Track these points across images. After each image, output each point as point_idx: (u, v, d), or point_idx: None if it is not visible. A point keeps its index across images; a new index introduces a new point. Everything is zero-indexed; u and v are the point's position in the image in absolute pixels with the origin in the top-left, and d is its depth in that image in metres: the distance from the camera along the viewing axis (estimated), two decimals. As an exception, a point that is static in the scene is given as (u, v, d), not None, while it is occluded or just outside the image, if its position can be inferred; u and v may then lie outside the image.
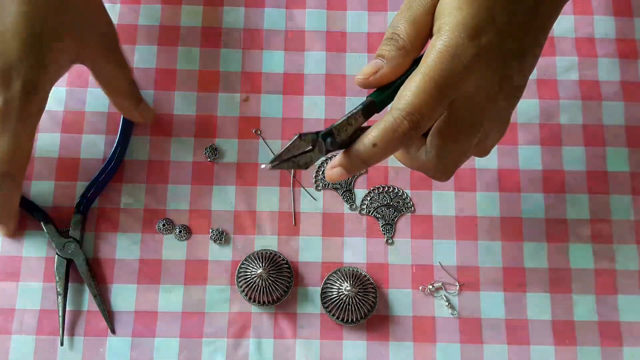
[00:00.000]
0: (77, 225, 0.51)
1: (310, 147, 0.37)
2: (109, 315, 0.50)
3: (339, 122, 0.38)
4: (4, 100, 0.42)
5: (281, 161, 0.37)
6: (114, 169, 0.53)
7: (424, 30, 0.39)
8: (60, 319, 0.49)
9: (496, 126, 0.41)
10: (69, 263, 0.51)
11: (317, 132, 0.37)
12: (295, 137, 0.37)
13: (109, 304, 0.51)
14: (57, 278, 0.50)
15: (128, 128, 0.54)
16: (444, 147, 0.39)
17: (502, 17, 0.37)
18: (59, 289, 0.50)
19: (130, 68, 0.52)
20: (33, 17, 0.42)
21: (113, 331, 0.50)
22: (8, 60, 0.42)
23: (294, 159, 0.37)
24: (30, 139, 0.45)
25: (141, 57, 0.57)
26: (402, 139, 0.36)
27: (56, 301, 0.50)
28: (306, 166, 0.38)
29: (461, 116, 0.38)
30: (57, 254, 0.51)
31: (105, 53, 0.48)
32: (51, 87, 0.46)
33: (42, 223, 0.51)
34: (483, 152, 0.44)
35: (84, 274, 0.50)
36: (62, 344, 0.49)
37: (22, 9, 0.42)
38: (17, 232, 0.52)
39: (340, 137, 0.38)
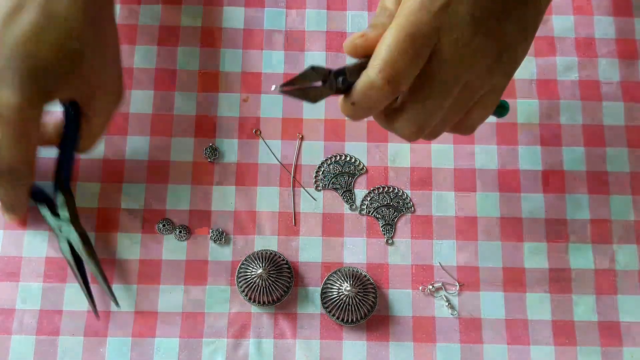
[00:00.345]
0: (63, 204, 0.50)
1: (321, 83, 0.37)
2: (110, 289, 0.49)
3: (353, 63, 0.38)
4: (20, 100, 0.41)
5: (292, 88, 0.37)
6: (72, 137, 0.49)
7: None
8: (85, 292, 0.49)
9: (479, 97, 0.40)
10: (70, 243, 0.50)
11: (330, 70, 0.37)
12: (308, 67, 0.37)
13: (111, 280, 0.51)
14: (68, 260, 0.49)
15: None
16: (414, 104, 0.39)
17: None
18: (74, 270, 0.49)
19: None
20: (74, 35, 0.43)
21: (117, 304, 0.49)
22: (39, 63, 0.42)
23: (304, 90, 0.37)
24: (36, 137, 0.45)
25: (141, 57, 0.57)
26: (378, 97, 0.37)
27: (77, 281, 0.49)
28: (314, 99, 0.38)
29: (433, 71, 0.37)
30: (57, 236, 0.50)
31: (103, 109, 0.48)
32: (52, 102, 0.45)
33: (37, 204, 0.51)
34: (466, 128, 0.43)
35: (81, 251, 0.49)
36: (97, 316, 0.50)
37: (67, 23, 0.42)
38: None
39: (352, 78, 0.38)
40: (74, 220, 0.50)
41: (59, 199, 0.50)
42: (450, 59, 0.37)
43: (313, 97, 0.37)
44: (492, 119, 0.56)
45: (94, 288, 0.50)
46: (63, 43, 0.42)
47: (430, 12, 0.36)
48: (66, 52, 0.42)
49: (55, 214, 0.50)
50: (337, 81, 0.38)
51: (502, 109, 0.52)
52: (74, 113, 0.48)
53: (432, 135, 0.43)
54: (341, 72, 0.37)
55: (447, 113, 0.40)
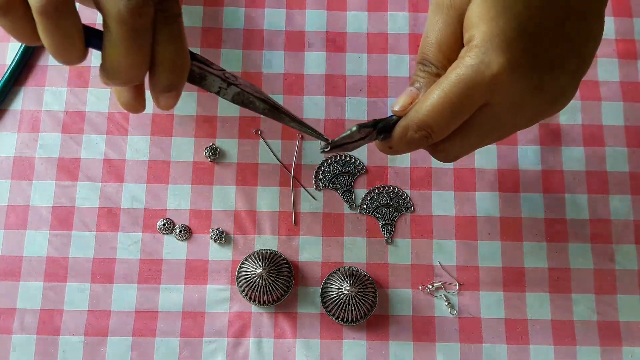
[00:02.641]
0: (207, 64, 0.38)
1: (364, 136, 0.39)
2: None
3: (396, 119, 0.39)
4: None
5: (336, 146, 0.39)
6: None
7: (454, 50, 0.38)
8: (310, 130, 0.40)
9: (512, 130, 0.40)
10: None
11: (375, 125, 0.39)
12: (355, 127, 0.38)
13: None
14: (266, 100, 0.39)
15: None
16: (456, 140, 0.39)
17: (532, 28, 0.35)
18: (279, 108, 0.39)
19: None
20: None
21: (328, 142, 0.41)
22: None
23: (346, 145, 0.39)
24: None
25: (141, 57, 0.57)
26: (413, 147, 0.39)
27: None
28: (354, 149, 0.40)
29: (480, 120, 0.37)
30: (228, 87, 0.38)
31: None
32: None
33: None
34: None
35: (267, 99, 0.39)
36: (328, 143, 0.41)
37: None
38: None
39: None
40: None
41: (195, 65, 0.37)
42: (499, 114, 0.37)
43: (353, 148, 0.40)
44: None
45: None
46: None
47: (486, 80, 0.35)
48: None
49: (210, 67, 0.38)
50: (379, 136, 0.40)
51: None
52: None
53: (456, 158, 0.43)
54: (385, 128, 0.39)
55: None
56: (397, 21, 0.59)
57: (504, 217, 0.54)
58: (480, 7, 0.36)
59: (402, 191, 0.54)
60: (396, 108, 0.39)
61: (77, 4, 0.34)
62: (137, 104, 0.38)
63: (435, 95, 0.36)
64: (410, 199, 0.54)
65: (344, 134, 0.38)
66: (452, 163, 0.55)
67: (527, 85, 0.36)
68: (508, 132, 0.40)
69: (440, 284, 0.52)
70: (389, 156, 0.55)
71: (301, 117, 0.56)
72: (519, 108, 0.37)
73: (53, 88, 0.55)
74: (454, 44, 0.38)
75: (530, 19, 0.35)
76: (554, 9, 0.36)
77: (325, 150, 0.39)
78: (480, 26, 0.35)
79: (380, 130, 0.39)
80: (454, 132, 0.38)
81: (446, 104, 0.36)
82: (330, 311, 0.50)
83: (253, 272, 0.49)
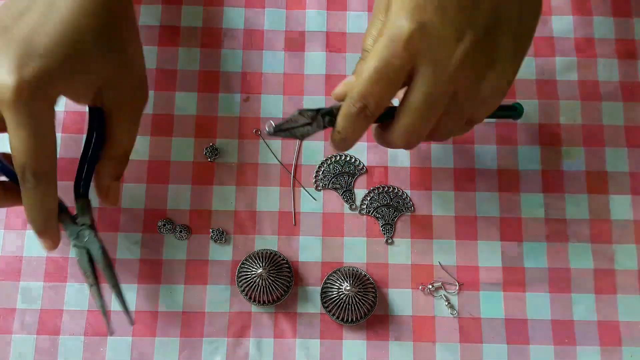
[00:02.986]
0: (84, 211, 0.47)
1: (309, 122, 0.42)
2: (125, 305, 0.47)
3: (340, 105, 0.42)
4: (17, 81, 0.40)
5: (279, 130, 0.41)
6: (97, 144, 0.48)
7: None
8: (102, 309, 0.45)
9: (480, 100, 0.41)
10: (89, 252, 0.46)
11: (318, 110, 0.42)
12: (296, 111, 0.41)
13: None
14: (84, 270, 0.46)
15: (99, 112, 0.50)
16: (402, 117, 0.41)
17: None
18: (90, 280, 0.46)
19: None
20: (78, 25, 0.42)
21: (132, 322, 0.47)
22: (33, 48, 0.41)
23: (292, 130, 0.42)
24: (50, 132, 0.42)
25: (141, 57, 0.57)
26: (357, 123, 0.41)
27: (90, 295, 0.50)
28: (302, 137, 0.43)
29: (417, 87, 0.39)
30: (74, 245, 0.46)
31: (129, 108, 0.47)
32: (59, 93, 0.43)
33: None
34: (468, 127, 0.45)
35: (100, 262, 0.46)
36: (111, 334, 0.48)
37: (71, 13, 0.42)
38: (58, 242, 0.47)
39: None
40: (94, 228, 0.47)
41: (78, 205, 0.47)
42: (431, 77, 0.39)
43: (301, 135, 0.42)
44: (489, 118, 0.56)
45: (98, 313, 0.50)
46: (68, 26, 0.41)
47: (400, 43, 0.38)
48: (73, 35, 0.41)
49: (73, 221, 0.47)
50: (324, 120, 0.42)
51: (514, 112, 0.52)
52: (97, 115, 0.47)
53: (439, 138, 0.45)
54: (329, 112, 0.42)
55: (444, 120, 0.42)
56: (397, 21, 0.59)
57: (504, 217, 0.54)
58: None
59: (402, 191, 0.54)
60: (335, 91, 0.43)
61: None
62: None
63: (365, 67, 0.40)
64: (410, 199, 0.54)
65: (286, 118, 0.41)
66: (452, 163, 0.55)
67: (441, 41, 0.38)
68: (459, 98, 0.40)
69: (440, 284, 0.52)
70: (389, 156, 0.55)
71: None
72: (448, 69, 0.39)
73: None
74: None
75: None
76: None
77: (270, 132, 0.41)
78: (395, 1, 0.39)
79: (325, 114, 0.42)
80: (404, 106, 0.40)
81: (374, 72, 0.39)
82: (330, 311, 0.50)
83: (253, 272, 0.49)
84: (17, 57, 0.40)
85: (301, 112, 0.42)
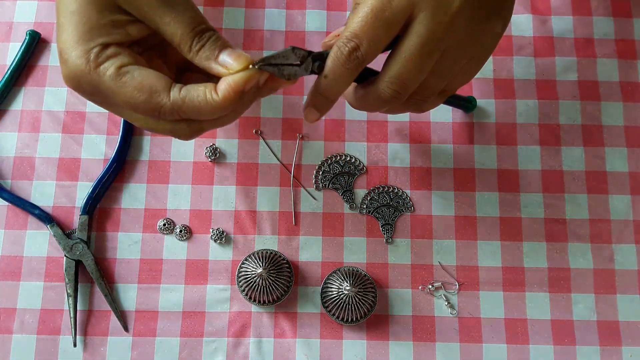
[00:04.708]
0: (84, 226, 0.52)
1: (299, 63, 0.39)
2: (120, 314, 0.51)
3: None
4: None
5: (268, 64, 0.38)
6: (117, 168, 0.53)
7: None
8: (72, 320, 0.50)
9: (461, 65, 0.41)
10: (77, 264, 0.51)
11: (310, 52, 0.40)
12: (289, 47, 0.39)
13: (119, 303, 0.51)
14: (67, 280, 0.50)
15: (129, 126, 0.54)
16: (394, 63, 0.40)
17: None
18: (69, 291, 0.50)
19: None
20: None
21: (126, 329, 0.50)
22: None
23: (280, 67, 0.39)
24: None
25: (141, 57, 0.57)
26: (346, 66, 0.39)
27: (66, 302, 0.50)
28: (288, 77, 0.40)
29: (411, 36, 0.39)
30: (65, 256, 0.51)
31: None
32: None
33: (47, 226, 0.51)
34: (443, 96, 0.44)
35: (93, 273, 0.51)
36: (75, 345, 0.50)
37: None
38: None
39: None
40: (87, 244, 0.52)
41: (81, 221, 0.52)
42: (429, 23, 0.38)
43: (288, 75, 0.40)
44: (489, 118, 0.56)
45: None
46: None
47: None
48: None
49: (65, 233, 0.52)
50: (314, 64, 0.40)
51: (468, 104, 0.55)
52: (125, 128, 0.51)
53: (417, 106, 0.43)
54: (319, 56, 0.40)
55: (429, 79, 0.41)
56: (397, 21, 0.59)
57: (504, 217, 0.54)
58: None
59: (402, 191, 0.54)
60: (325, 40, 0.41)
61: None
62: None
63: (360, 8, 0.38)
64: (410, 199, 0.54)
65: (276, 52, 0.39)
66: (452, 163, 0.55)
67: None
68: (448, 56, 0.40)
69: (440, 284, 0.52)
70: (389, 156, 0.55)
71: (301, 117, 0.56)
72: (444, 22, 0.38)
73: (53, 88, 0.55)
74: None
75: None
76: None
77: (257, 64, 0.38)
78: None
79: (316, 57, 0.40)
80: (397, 53, 0.39)
81: (370, 10, 0.38)
82: (330, 311, 0.50)
83: (253, 272, 0.50)
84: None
85: (294, 49, 0.39)
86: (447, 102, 0.53)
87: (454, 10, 0.38)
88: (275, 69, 0.39)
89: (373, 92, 0.41)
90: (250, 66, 0.37)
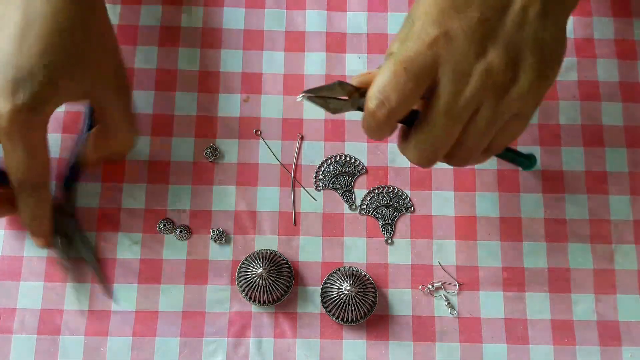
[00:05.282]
0: (70, 198, 0.51)
1: (346, 98, 0.39)
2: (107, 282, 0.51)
3: None
4: (11, 109, 0.42)
5: (316, 96, 0.39)
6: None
7: None
8: (98, 275, 0.50)
9: (502, 123, 0.41)
10: (66, 237, 0.51)
11: (357, 88, 0.40)
12: (335, 82, 0.39)
13: (112, 280, 0.51)
14: (59, 255, 0.51)
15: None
16: (419, 130, 0.40)
17: (460, 3, 0.39)
18: (67, 265, 0.51)
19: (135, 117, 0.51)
20: (55, 42, 0.43)
21: (111, 296, 0.51)
22: (21, 73, 0.42)
23: (327, 100, 0.39)
24: (44, 147, 0.45)
25: (141, 58, 0.57)
26: (377, 124, 0.39)
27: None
28: (334, 111, 0.40)
29: (436, 98, 0.39)
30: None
31: (113, 92, 0.48)
32: (53, 110, 0.45)
33: None
34: (459, 159, 0.43)
35: (80, 247, 0.51)
36: (110, 297, 0.51)
37: (47, 31, 0.43)
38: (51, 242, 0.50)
39: None
40: (74, 216, 0.51)
41: (65, 195, 0.51)
42: (451, 87, 0.38)
43: (334, 109, 0.40)
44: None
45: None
46: (46, 44, 0.43)
47: (425, 43, 0.38)
48: (52, 53, 0.43)
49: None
50: (361, 100, 0.40)
51: (526, 161, 0.52)
52: (88, 112, 0.50)
53: (456, 162, 0.43)
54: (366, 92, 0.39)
55: (465, 140, 0.41)
56: (397, 21, 0.59)
57: (504, 217, 0.54)
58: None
59: (402, 191, 0.54)
60: (354, 77, 0.41)
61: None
62: None
63: (387, 65, 0.39)
64: (410, 199, 0.54)
65: (324, 85, 0.39)
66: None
67: (464, 52, 0.38)
68: (480, 116, 0.40)
69: (440, 284, 0.52)
70: (388, 156, 0.55)
71: (301, 117, 0.56)
72: (464, 79, 0.38)
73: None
74: None
75: None
76: None
77: (304, 96, 0.39)
78: (419, 6, 0.40)
79: (364, 94, 0.40)
80: (423, 119, 0.40)
81: (396, 70, 0.38)
82: (330, 311, 0.50)
83: (253, 272, 0.50)
84: (6, 83, 0.42)
85: (341, 83, 0.39)
86: (500, 157, 0.51)
87: (475, 77, 0.38)
88: (322, 101, 0.39)
89: (405, 148, 0.42)
90: (298, 97, 0.39)
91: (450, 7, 0.39)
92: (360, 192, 0.54)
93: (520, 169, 0.54)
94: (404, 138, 0.42)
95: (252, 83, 0.57)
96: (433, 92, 0.39)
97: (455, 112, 0.39)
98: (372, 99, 0.39)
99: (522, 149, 0.55)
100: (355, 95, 0.40)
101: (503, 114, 0.40)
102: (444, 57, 0.38)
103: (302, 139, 0.55)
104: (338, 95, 0.40)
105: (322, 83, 0.56)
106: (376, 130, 0.40)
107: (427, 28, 0.39)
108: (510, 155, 0.52)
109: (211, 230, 0.53)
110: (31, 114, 0.43)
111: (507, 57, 0.39)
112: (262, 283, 0.49)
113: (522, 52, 0.39)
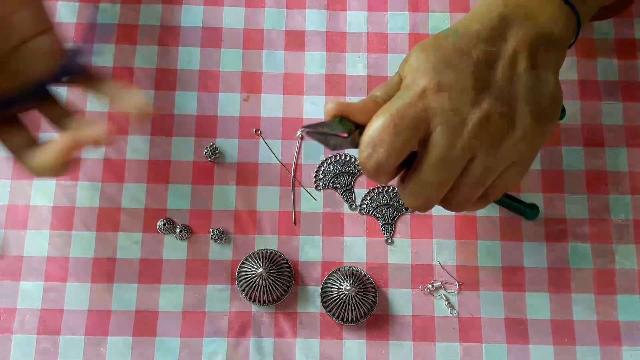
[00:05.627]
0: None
1: (346, 135, 0.39)
2: None
3: None
4: None
5: (315, 132, 0.39)
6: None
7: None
8: None
9: (500, 170, 0.41)
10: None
11: (357, 125, 0.40)
12: (336, 120, 0.39)
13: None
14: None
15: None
16: (413, 178, 0.40)
17: (453, 56, 0.39)
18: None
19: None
20: None
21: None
22: None
23: (327, 136, 0.39)
24: None
25: (142, 57, 0.57)
26: (371, 168, 0.39)
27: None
28: (334, 148, 0.40)
29: (429, 148, 0.39)
30: None
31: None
32: None
33: None
34: (456, 205, 0.43)
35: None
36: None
37: None
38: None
39: None
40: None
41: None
42: (444, 139, 0.38)
43: (333, 145, 0.40)
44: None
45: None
46: None
47: (415, 94, 0.39)
48: None
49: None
50: (359, 140, 0.40)
51: (527, 210, 0.52)
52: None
53: (451, 208, 0.43)
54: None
55: (461, 188, 0.41)
56: (397, 21, 0.59)
57: (504, 217, 0.54)
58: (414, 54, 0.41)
59: (402, 191, 0.54)
60: (327, 107, 0.41)
61: None
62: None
63: (378, 113, 0.39)
64: (410, 199, 0.54)
65: (323, 121, 0.39)
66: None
67: (457, 103, 0.38)
68: (475, 166, 0.40)
69: (440, 283, 0.52)
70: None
71: (301, 117, 0.56)
72: (457, 130, 0.38)
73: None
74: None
75: (449, 50, 0.40)
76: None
77: (303, 131, 0.39)
78: (410, 61, 0.40)
79: (362, 133, 0.39)
80: (417, 167, 0.40)
81: (385, 124, 0.38)
82: (330, 311, 0.50)
83: (253, 272, 0.50)
84: None
85: (341, 120, 0.39)
86: (500, 204, 0.51)
87: (468, 127, 0.38)
88: (321, 137, 0.39)
89: (402, 194, 0.42)
90: (297, 133, 0.39)
91: (440, 61, 0.39)
92: (360, 192, 0.54)
93: (522, 217, 0.54)
94: (401, 181, 0.42)
95: (252, 82, 0.57)
96: (427, 141, 0.39)
97: (448, 163, 0.39)
98: (362, 150, 0.39)
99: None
100: (355, 133, 0.40)
101: (499, 163, 0.40)
102: (435, 108, 0.38)
103: (302, 138, 0.55)
104: (338, 132, 0.39)
105: (321, 83, 0.56)
106: (372, 178, 0.40)
107: (417, 80, 0.39)
108: (511, 204, 0.52)
109: (211, 230, 0.53)
110: None
111: (502, 106, 0.39)
112: (262, 283, 0.49)
113: (516, 101, 0.40)
